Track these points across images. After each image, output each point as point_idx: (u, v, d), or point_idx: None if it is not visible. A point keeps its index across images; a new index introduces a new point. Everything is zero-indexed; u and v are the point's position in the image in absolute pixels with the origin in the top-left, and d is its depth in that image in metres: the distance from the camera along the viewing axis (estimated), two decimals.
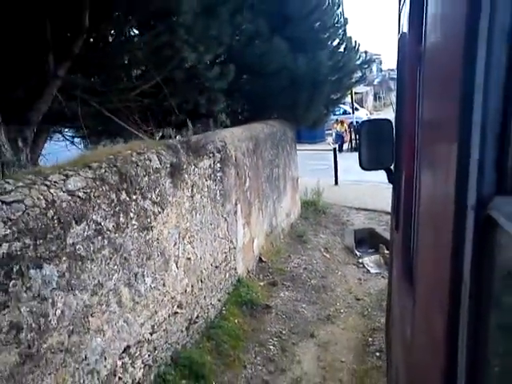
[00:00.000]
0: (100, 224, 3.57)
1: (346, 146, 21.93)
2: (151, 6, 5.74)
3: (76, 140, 9.33)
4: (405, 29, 2.21)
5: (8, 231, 2.70)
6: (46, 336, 3.00)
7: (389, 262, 3.74)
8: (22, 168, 4.32)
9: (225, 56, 7.31)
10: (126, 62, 6.20)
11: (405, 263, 1.98)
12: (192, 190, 5.13)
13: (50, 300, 3.05)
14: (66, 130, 7.31)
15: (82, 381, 3.36)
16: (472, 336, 0.73)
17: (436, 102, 1.17)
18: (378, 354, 5.35)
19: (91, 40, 5.73)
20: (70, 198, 3.27)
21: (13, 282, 2.73)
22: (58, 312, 3.13)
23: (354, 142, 21.17)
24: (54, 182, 3.24)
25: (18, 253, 2.77)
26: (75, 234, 3.30)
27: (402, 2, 2.55)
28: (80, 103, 5.59)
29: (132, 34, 6.23)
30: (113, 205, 3.73)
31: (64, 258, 3.19)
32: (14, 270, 2.74)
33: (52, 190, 3.15)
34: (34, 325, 2.89)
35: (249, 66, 7.81)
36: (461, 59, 0.78)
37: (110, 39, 6.07)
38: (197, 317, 5.24)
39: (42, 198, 3.03)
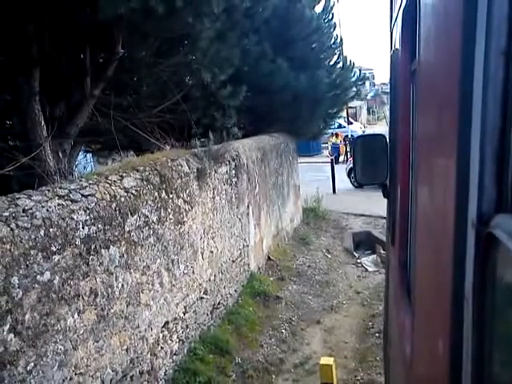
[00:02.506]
0: (147, 216, 4.34)
1: (341, 158, 22.81)
2: (173, 32, 6.54)
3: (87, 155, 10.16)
4: (397, 45, 2.19)
5: (87, 217, 3.47)
6: (112, 303, 3.76)
7: (385, 277, 3.93)
8: (62, 177, 5.06)
9: (235, 76, 8.10)
10: (151, 81, 6.99)
11: (402, 280, 1.96)
12: (213, 192, 5.92)
13: (114, 275, 3.81)
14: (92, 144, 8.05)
15: (136, 344, 4.11)
16: (476, 355, 0.71)
17: (432, 119, 1.14)
18: (377, 334, 6.08)
19: (122, 64, 6.49)
20: (126, 194, 4.05)
21: (91, 257, 3.49)
22: (120, 286, 3.89)
23: (348, 154, 22.05)
24: (114, 181, 4.02)
25: (94, 234, 3.54)
26: (130, 224, 4.07)
27: (393, 19, 2.53)
28: (112, 119, 6.35)
29: (155, 57, 6.98)
30: (156, 201, 4.50)
31: (123, 242, 3.95)
32: (92, 247, 3.50)
33: (113, 187, 3.93)
34: (105, 293, 3.65)
35: (255, 84, 8.57)
36: (458, 75, 0.78)
37: (138, 63, 6.84)
38: (218, 303, 6.00)
39: (106, 193, 3.81)
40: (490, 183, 0.67)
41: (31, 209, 2.96)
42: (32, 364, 2.81)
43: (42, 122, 5.22)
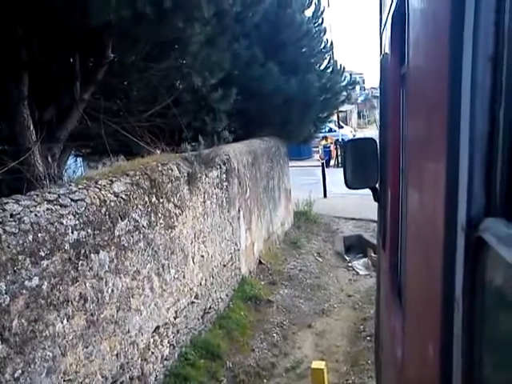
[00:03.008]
0: (137, 221, 4.32)
1: (332, 162, 22.85)
2: (163, 37, 6.52)
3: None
4: (387, 49, 2.20)
5: (76, 222, 3.44)
6: (102, 308, 3.73)
7: (376, 280, 3.84)
8: (51, 181, 5.02)
9: (225, 80, 8.10)
10: (142, 86, 6.97)
11: (393, 283, 1.97)
12: (204, 196, 5.91)
13: (104, 280, 3.79)
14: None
15: (126, 349, 4.08)
16: (466, 358, 0.72)
17: (421, 123, 1.16)
18: (368, 338, 6.08)
19: (112, 68, 6.47)
20: (115, 198, 4.02)
21: (81, 262, 3.46)
22: (110, 291, 3.86)
23: (339, 158, 22.11)
24: (103, 185, 4.00)
25: (84, 239, 3.51)
26: (120, 228, 4.04)
27: (383, 23, 2.53)
28: (103, 123, 6.32)
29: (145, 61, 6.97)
30: (146, 206, 4.48)
31: (113, 247, 3.93)
32: (81, 252, 3.48)
33: (103, 192, 3.91)
34: (94, 298, 3.62)
35: (245, 88, 8.56)
36: (446, 80, 0.78)
37: (128, 67, 6.81)
38: (209, 307, 5.98)
39: (96, 197, 3.78)
40: (479, 187, 0.67)
41: (19, 214, 2.93)
42: (19, 371, 2.77)
43: (31, 127, 5.18)
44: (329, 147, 22.94)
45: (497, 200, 0.65)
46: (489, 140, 0.66)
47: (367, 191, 3.01)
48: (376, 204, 3.09)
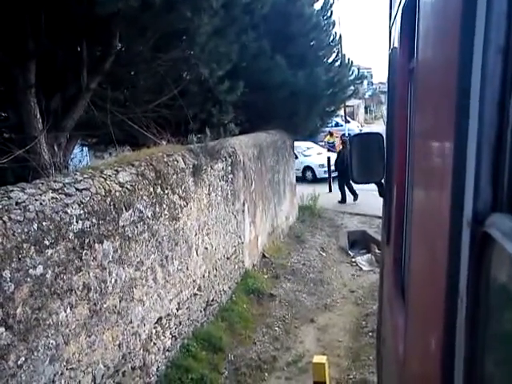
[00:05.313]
0: (142, 212, 4.32)
1: None
2: (171, 27, 6.49)
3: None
4: (396, 44, 2.18)
5: (81, 211, 3.44)
6: (105, 298, 3.73)
7: (379, 276, 3.80)
8: (56, 170, 5.01)
9: (232, 71, 8.07)
10: (148, 76, 6.95)
11: (396, 279, 1.97)
12: (209, 188, 5.90)
13: (108, 270, 3.79)
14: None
15: (128, 339, 4.09)
16: (469, 354, 0.72)
17: (429, 118, 1.15)
18: (370, 333, 6.08)
19: (119, 57, 6.45)
20: (120, 188, 4.02)
21: (85, 251, 3.46)
22: (113, 281, 3.86)
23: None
24: (109, 175, 3.99)
25: (88, 229, 3.51)
26: (125, 219, 4.04)
27: (392, 18, 2.49)
28: (109, 113, 6.31)
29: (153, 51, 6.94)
30: (151, 196, 4.48)
31: (117, 237, 3.93)
32: (86, 242, 3.48)
33: (108, 182, 3.90)
34: (98, 288, 3.63)
35: (253, 80, 8.51)
36: (456, 74, 0.78)
37: (136, 57, 6.79)
38: (212, 300, 5.99)
39: (101, 187, 3.78)
40: (486, 182, 0.67)
41: (24, 202, 2.93)
42: (23, 358, 2.79)
43: (38, 115, 5.17)
44: (334, 144, 22.80)
45: (503, 195, 0.65)
46: (497, 135, 0.65)
47: (373, 186, 2.99)
48: (379, 199, 3.07)
